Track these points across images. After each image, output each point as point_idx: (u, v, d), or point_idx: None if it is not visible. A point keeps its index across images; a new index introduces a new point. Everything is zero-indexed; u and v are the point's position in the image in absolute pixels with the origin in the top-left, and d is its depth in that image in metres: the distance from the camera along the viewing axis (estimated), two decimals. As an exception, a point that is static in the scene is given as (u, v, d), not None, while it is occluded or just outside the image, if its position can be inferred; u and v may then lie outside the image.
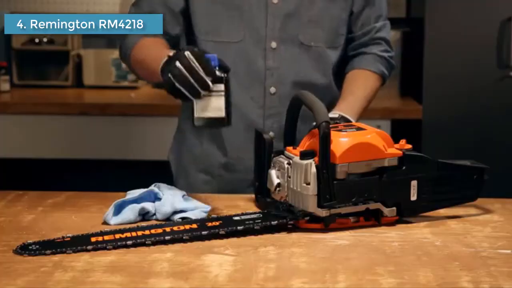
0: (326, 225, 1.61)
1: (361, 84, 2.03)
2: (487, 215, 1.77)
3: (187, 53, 1.59)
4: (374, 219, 1.66)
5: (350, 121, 1.89)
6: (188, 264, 1.42)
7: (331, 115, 1.89)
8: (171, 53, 1.64)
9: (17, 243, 1.49)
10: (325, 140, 1.58)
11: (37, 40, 4.01)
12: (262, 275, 1.37)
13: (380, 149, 1.64)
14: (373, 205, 1.65)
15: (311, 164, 1.60)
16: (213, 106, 1.60)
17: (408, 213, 1.69)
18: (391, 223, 1.67)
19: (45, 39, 4.03)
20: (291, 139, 1.73)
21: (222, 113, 1.61)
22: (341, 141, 1.62)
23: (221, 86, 1.60)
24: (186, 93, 1.59)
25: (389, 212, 1.66)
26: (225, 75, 1.61)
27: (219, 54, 1.91)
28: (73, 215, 1.72)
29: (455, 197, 1.74)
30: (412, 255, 1.48)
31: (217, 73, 1.60)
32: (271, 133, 1.93)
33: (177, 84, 1.58)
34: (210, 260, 1.44)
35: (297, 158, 1.63)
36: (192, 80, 1.57)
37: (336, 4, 1.99)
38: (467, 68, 3.50)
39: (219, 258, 1.45)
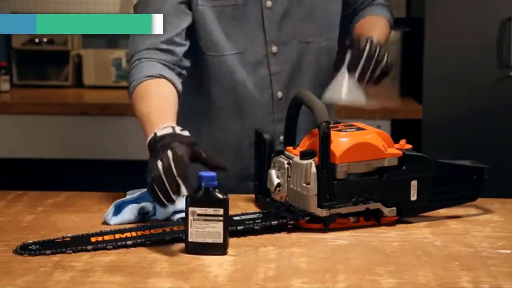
0: (326, 225, 1.61)
1: (377, 25, 2.05)
2: (487, 215, 1.77)
3: (169, 153, 1.50)
4: (374, 219, 1.66)
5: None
6: (188, 264, 1.42)
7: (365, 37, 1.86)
8: (158, 132, 1.60)
9: (17, 243, 1.49)
10: (325, 140, 1.58)
11: (37, 40, 4.01)
12: (262, 275, 1.37)
13: (380, 149, 1.64)
14: (373, 205, 1.65)
15: (311, 164, 1.60)
16: (211, 231, 1.46)
17: (408, 213, 1.69)
18: (391, 223, 1.67)
19: (45, 39, 4.02)
20: (291, 139, 1.73)
21: (220, 239, 1.47)
22: (341, 141, 1.62)
23: (221, 211, 1.46)
24: (161, 197, 1.49)
25: (389, 212, 1.66)
26: (225, 197, 1.47)
27: (224, 68, 1.93)
28: (73, 215, 1.72)
29: (455, 197, 1.74)
30: (412, 255, 1.48)
31: (218, 195, 1.47)
32: (281, 138, 1.92)
33: (155, 186, 1.49)
34: (210, 260, 1.44)
35: (297, 158, 1.63)
36: (167, 185, 1.48)
37: None
38: (467, 68, 3.50)
39: (219, 258, 1.45)
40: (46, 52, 4.06)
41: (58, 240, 1.51)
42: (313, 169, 1.59)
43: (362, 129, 1.67)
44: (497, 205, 1.83)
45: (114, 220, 1.66)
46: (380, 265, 1.42)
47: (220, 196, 1.47)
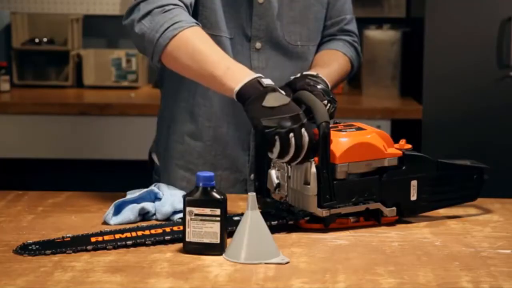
0: (326, 225, 1.61)
1: (334, 59, 2.00)
2: (487, 215, 1.77)
3: (303, 131, 1.55)
4: (374, 219, 1.66)
5: (327, 84, 1.84)
6: (188, 264, 1.42)
7: (308, 72, 1.85)
8: (251, 77, 1.60)
9: (17, 243, 1.49)
10: (325, 140, 1.58)
11: (37, 40, 4.01)
12: (262, 275, 1.37)
13: (380, 149, 1.64)
14: (373, 205, 1.65)
15: (311, 164, 1.59)
16: (208, 231, 1.46)
17: (408, 213, 1.69)
18: (391, 223, 1.67)
19: (45, 39, 4.03)
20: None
21: (217, 240, 1.46)
22: (341, 141, 1.62)
23: (218, 211, 1.46)
24: (291, 155, 1.56)
25: (389, 212, 1.66)
26: (222, 197, 1.47)
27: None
28: (73, 215, 1.72)
29: (455, 197, 1.74)
30: (412, 255, 1.48)
31: (215, 195, 1.47)
32: None
33: (290, 149, 1.56)
34: (210, 260, 1.44)
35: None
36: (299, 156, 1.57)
37: (316, 1, 1.98)
38: (467, 68, 3.50)
39: (219, 258, 1.45)
40: (46, 52, 4.06)
41: (58, 240, 1.51)
42: (313, 169, 1.59)
43: (362, 129, 1.67)
44: (497, 205, 1.83)
45: (114, 220, 1.66)
46: (380, 265, 1.42)
47: (218, 196, 1.47)
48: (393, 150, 1.66)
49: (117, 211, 1.68)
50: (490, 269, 1.41)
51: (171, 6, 1.73)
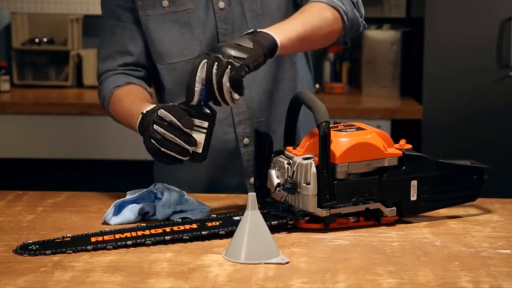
0: (326, 225, 1.61)
1: (301, 12, 1.79)
2: (487, 215, 1.77)
3: (161, 111, 1.56)
4: (374, 219, 1.66)
5: (272, 38, 1.65)
6: (188, 264, 1.42)
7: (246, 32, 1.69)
8: (144, 110, 1.64)
9: (17, 243, 1.49)
10: (325, 140, 1.58)
11: (37, 40, 4.02)
12: (262, 275, 1.37)
13: (380, 149, 1.64)
14: (373, 205, 1.65)
15: (311, 164, 1.60)
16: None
17: (408, 213, 1.69)
18: (391, 223, 1.67)
19: (45, 39, 4.03)
20: (291, 139, 1.73)
21: (199, 149, 1.56)
22: (341, 141, 1.62)
23: (205, 123, 1.56)
24: (175, 155, 1.57)
25: (389, 212, 1.66)
26: (212, 112, 1.56)
27: (178, 75, 1.88)
28: (73, 215, 1.72)
29: (455, 197, 1.74)
30: (412, 255, 1.48)
31: (204, 109, 1.56)
32: (246, 140, 1.91)
33: (163, 149, 1.57)
34: (210, 260, 1.44)
35: (297, 158, 1.63)
36: (178, 140, 1.56)
37: None
38: (467, 68, 3.50)
39: (219, 258, 1.45)
40: (46, 52, 4.06)
41: (58, 240, 1.51)
42: (313, 169, 1.59)
43: (362, 129, 1.67)
44: (497, 205, 1.83)
45: (114, 220, 1.66)
46: (380, 265, 1.42)
47: (208, 111, 1.57)
48: (393, 150, 1.66)
49: (117, 211, 1.68)
50: (490, 269, 1.41)
51: (102, 80, 1.92)
